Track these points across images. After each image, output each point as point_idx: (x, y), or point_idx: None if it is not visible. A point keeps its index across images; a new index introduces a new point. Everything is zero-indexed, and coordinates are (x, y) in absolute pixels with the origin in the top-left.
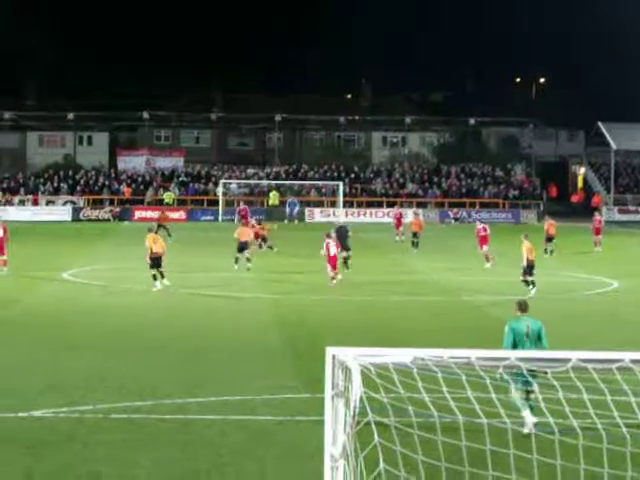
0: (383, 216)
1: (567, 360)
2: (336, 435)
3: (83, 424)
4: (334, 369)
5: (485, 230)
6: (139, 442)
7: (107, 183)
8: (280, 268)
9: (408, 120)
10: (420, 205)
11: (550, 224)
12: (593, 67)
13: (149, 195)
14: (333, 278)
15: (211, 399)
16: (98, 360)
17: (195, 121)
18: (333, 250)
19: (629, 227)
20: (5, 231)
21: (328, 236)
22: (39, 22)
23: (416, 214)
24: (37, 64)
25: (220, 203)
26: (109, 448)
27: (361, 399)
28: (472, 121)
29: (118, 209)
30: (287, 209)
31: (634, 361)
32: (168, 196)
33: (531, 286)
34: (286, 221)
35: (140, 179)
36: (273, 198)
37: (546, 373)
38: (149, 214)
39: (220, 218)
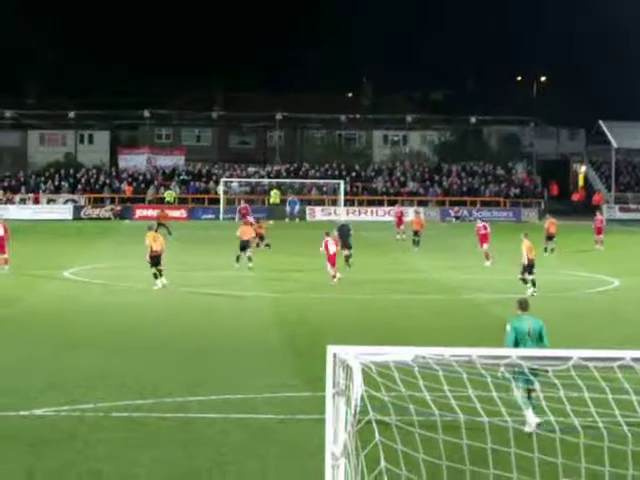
0: (384, 215)
1: (568, 358)
2: (337, 433)
3: (84, 422)
4: (335, 367)
5: (485, 228)
6: (140, 440)
7: (108, 182)
8: (281, 267)
9: (409, 119)
10: (421, 204)
11: (551, 222)
12: (594, 65)
13: (150, 194)
14: (334, 276)
15: (212, 397)
16: (99, 358)
17: (196, 119)
18: (332, 248)
19: (630, 225)
20: (6, 230)
21: (327, 234)
22: (40, 21)
23: (417, 213)
24: (38, 63)
25: (221, 202)
26: (110, 446)
27: (362, 397)
28: (473, 120)
29: (119, 208)
30: (287, 208)
31: (635, 359)
32: (169, 195)
33: (529, 284)
34: (287, 220)
35: (141, 178)
36: (274, 197)
37: (547, 371)
38: (150, 213)
39: (221, 217)
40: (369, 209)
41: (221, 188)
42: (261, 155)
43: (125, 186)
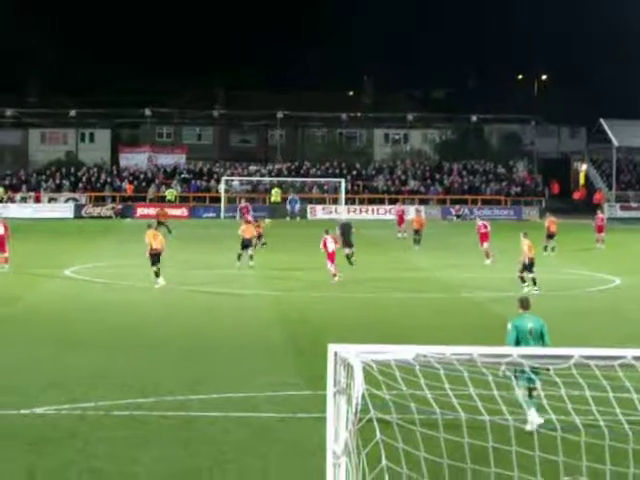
0: (385, 213)
1: (569, 357)
2: (338, 432)
3: (85, 421)
4: (336, 366)
5: (485, 227)
6: (141, 439)
7: (109, 180)
8: (281, 265)
9: (410, 117)
10: (422, 202)
11: (551, 221)
12: (595, 64)
13: (151, 192)
14: (334, 275)
15: (213, 396)
16: (100, 357)
17: (197, 118)
18: (331, 246)
19: (631, 224)
20: (6, 228)
21: (327, 232)
22: (40, 19)
23: (418, 211)
24: (39, 61)
25: (222, 200)
26: (111, 445)
27: (363, 396)
28: (474, 118)
29: (120, 206)
30: (288, 206)
31: (636, 358)
32: (170, 193)
33: (527, 283)
34: (288, 218)
35: (142, 176)
36: (275, 195)
37: (548, 370)
38: (151, 211)
39: (222, 215)
40: (370, 207)
41: (222, 187)
42: (262, 153)
43: (126, 185)
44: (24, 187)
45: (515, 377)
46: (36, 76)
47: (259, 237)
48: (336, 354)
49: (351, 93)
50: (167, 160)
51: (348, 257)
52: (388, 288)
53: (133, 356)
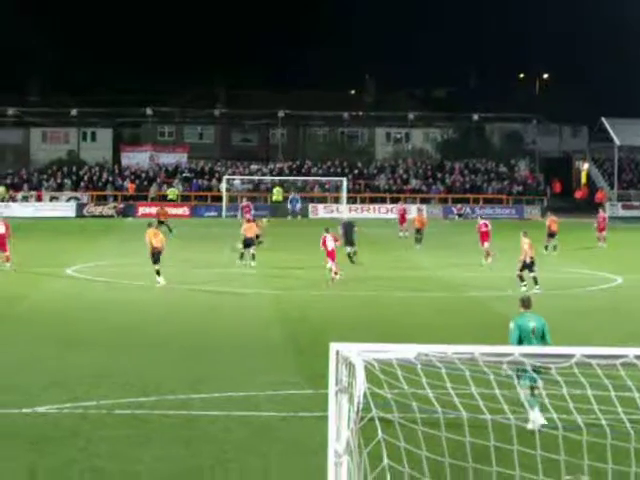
0: (387, 212)
1: (571, 356)
2: (340, 431)
3: (87, 420)
4: (338, 365)
5: (486, 226)
6: (142, 438)
7: (111, 179)
8: (282, 264)
9: (411, 116)
10: (424, 201)
11: (552, 220)
12: (596, 62)
13: (153, 191)
14: (335, 273)
15: (214, 395)
16: (102, 356)
17: (198, 117)
18: (330, 244)
19: (633, 223)
20: (7, 227)
21: (327, 230)
22: (41, 18)
23: (419, 210)
24: (40, 61)
25: (224, 199)
26: (112, 444)
27: (365, 395)
28: (475, 117)
29: (122, 205)
30: (289, 205)
31: (638, 357)
32: (172, 192)
33: (526, 282)
34: (289, 217)
35: (144, 175)
36: (277, 194)
37: (550, 369)
38: (153, 210)
39: (224, 214)
40: (371, 206)
41: (224, 186)
42: (264, 153)
43: (128, 184)
44: (26, 186)
45: (517, 376)
46: (37, 75)
47: (257, 236)
48: (338, 353)
49: (352, 92)
50: (168, 159)
51: (349, 256)
52: (389, 287)
53: (135, 355)
